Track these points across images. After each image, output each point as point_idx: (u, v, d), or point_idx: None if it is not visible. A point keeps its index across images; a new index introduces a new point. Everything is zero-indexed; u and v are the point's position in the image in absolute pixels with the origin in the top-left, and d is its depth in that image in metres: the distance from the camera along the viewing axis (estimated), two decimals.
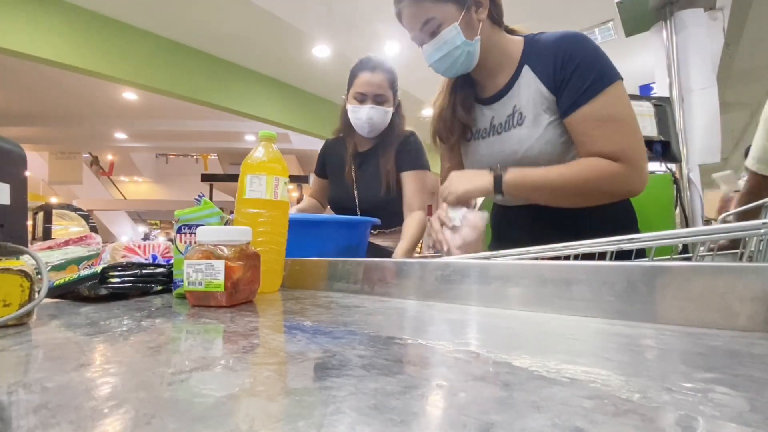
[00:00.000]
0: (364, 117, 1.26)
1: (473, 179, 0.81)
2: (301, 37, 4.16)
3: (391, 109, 1.30)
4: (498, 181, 0.77)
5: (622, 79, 0.76)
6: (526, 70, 0.83)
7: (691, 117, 1.85)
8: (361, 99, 1.27)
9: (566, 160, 0.81)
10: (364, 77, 1.26)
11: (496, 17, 0.84)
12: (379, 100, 1.27)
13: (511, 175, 0.77)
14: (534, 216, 0.89)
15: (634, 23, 2.08)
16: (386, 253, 1.32)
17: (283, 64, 4.75)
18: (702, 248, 0.68)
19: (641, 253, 0.63)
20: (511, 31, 0.88)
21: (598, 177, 0.74)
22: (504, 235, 0.99)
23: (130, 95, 5.67)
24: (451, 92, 0.93)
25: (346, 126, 1.35)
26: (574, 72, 0.75)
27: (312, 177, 1.52)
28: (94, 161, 8.95)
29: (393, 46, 4.31)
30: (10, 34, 3.20)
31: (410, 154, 1.32)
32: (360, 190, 1.36)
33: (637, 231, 0.88)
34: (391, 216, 1.33)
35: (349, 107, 1.30)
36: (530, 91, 0.81)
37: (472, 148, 0.93)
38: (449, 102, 0.93)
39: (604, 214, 0.85)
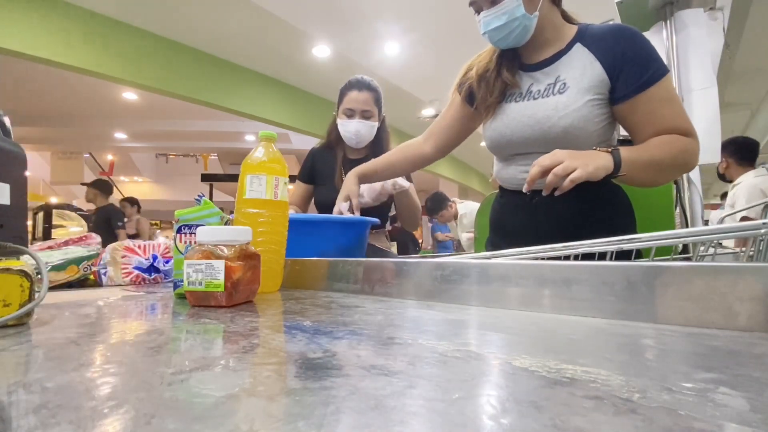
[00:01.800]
0: (353, 130, 1.41)
1: (595, 158, 0.76)
2: (301, 37, 4.16)
3: (376, 124, 1.45)
4: (617, 159, 0.75)
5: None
6: (579, 47, 0.85)
7: (691, 117, 1.85)
8: (350, 114, 1.42)
9: (591, 141, 0.83)
10: (352, 95, 1.42)
11: None
12: (365, 115, 1.42)
13: (626, 153, 0.76)
14: (532, 210, 0.89)
15: (634, 23, 2.07)
16: (382, 253, 1.36)
17: (283, 64, 4.75)
18: (702, 248, 0.68)
19: (641, 254, 0.63)
20: (567, 18, 0.91)
21: (684, 151, 0.78)
22: (502, 228, 1.00)
23: (130, 95, 5.67)
24: (499, 55, 0.94)
25: (336, 137, 1.49)
26: (638, 58, 0.80)
27: (295, 183, 1.57)
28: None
29: (393, 46, 4.31)
30: (10, 34, 3.20)
31: None
32: None
33: (635, 230, 0.88)
34: (383, 218, 1.42)
35: (339, 121, 1.45)
36: (582, 65, 0.84)
37: (501, 110, 0.93)
38: (496, 64, 0.93)
39: (604, 211, 0.86)
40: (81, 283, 0.78)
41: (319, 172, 1.53)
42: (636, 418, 0.18)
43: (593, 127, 0.83)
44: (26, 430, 0.17)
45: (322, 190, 1.52)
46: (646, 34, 2.17)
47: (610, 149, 0.75)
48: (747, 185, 2.51)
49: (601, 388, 0.21)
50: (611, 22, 0.84)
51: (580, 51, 0.85)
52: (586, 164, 0.72)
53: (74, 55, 3.54)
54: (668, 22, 1.92)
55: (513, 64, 0.93)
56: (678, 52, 1.90)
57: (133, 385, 0.23)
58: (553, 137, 0.84)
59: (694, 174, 1.81)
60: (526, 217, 0.92)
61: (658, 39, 2.00)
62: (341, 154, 1.50)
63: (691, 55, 1.88)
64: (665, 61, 1.92)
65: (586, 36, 0.85)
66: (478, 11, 0.86)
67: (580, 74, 0.83)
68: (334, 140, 1.50)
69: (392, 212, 1.50)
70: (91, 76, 3.74)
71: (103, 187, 4.39)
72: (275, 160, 0.67)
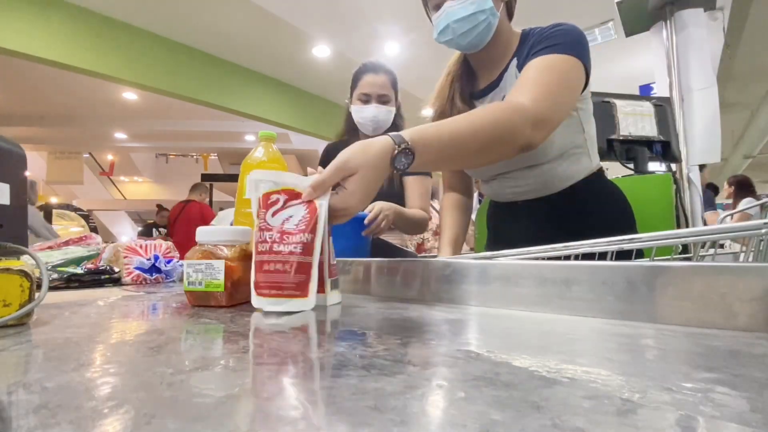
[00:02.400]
0: (370, 116, 1.32)
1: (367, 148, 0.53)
2: (301, 37, 4.16)
3: (393, 109, 1.36)
4: (398, 139, 0.53)
5: (583, 64, 0.73)
6: (513, 62, 0.83)
7: (691, 117, 1.85)
8: (366, 99, 1.33)
9: (563, 141, 0.81)
10: (368, 79, 1.32)
11: (511, 5, 0.85)
12: (383, 99, 1.33)
13: (414, 131, 0.56)
14: (527, 217, 0.89)
15: (634, 23, 2.08)
16: (392, 249, 1.32)
17: (283, 64, 4.75)
18: (702, 248, 0.68)
19: (641, 253, 0.63)
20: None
21: (499, 119, 0.63)
22: (500, 235, 0.99)
23: (130, 95, 5.67)
24: (450, 85, 0.91)
25: (351, 129, 1.40)
26: (540, 41, 0.76)
27: None
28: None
29: (393, 46, 4.31)
30: (10, 34, 3.20)
31: None
32: None
33: (634, 230, 0.88)
34: None
35: (353, 108, 1.35)
36: (512, 81, 0.81)
37: None
38: (448, 94, 0.91)
39: (602, 210, 0.86)
40: (81, 283, 0.78)
41: None
42: (636, 418, 0.18)
43: (557, 136, 0.78)
44: (26, 430, 0.17)
45: None
46: (646, 34, 2.17)
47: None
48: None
49: (601, 388, 0.21)
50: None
51: (512, 68, 0.82)
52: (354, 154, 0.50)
53: (74, 55, 3.54)
54: (668, 22, 1.92)
55: (464, 92, 0.89)
56: (678, 52, 1.90)
57: (133, 385, 0.23)
58: (526, 156, 0.78)
59: (694, 174, 1.81)
60: (522, 224, 0.91)
61: (658, 39, 2.00)
62: None
63: (691, 55, 1.88)
64: (665, 62, 1.93)
65: (524, 47, 0.81)
66: (437, 6, 0.80)
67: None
68: (347, 131, 1.41)
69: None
70: (91, 76, 3.74)
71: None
72: (275, 159, 0.67)
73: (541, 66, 0.72)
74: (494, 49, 0.84)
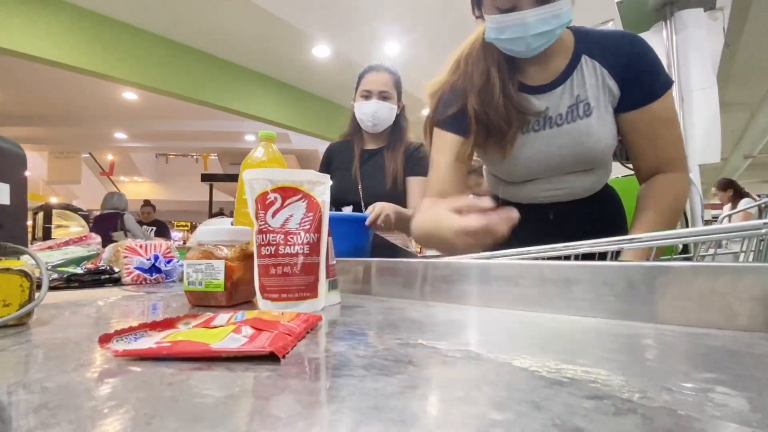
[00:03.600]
0: (370, 111, 1.35)
1: None
2: (301, 37, 4.16)
3: (395, 107, 1.38)
4: None
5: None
6: (586, 60, 0.78)
7: (691, 117, 1.85)
8: (367, 95, 1.36)
9: (602, 160, 0.82)
10: (370, 77, 1.37)
11: None
12: (383, 95, 1.36)
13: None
14: (545, 223, 0.87)
15: (634, 23, 2.07)
16: (393, 249, 1.32)
17: (283, 64, 4.75)
18: (703, 248, 0.68)
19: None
20: None
21: (683, 197, 0.77)
22: (511, 238, 0.95)
23: (130, 95, 5.67)
24: (498, 71, 0.79)
25: (355, 128, 1.44)
26: (645, 69, 0.76)
27: None
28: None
29: (393, 46, 4.31)
30: (10, 34, 3.20)
31: (421, 161, 1.37)
32: (364, 183, 1.39)
33: (625, 225, 0.90)
34: None
35: (355, 105, 1.39)
36: (596, 80, 0.77)
37: (521, 142, 0.81)
38: (500, 87, 0.78)
39: (609, 214, 0.87)
40: (81, 283, 0.79)
41: (336, 164, 1.48)
42: (636, 418, 0.18)
43: (615, 141, 0.81)
44: (26, 430, 0.17)
45: (337, 181, 1.46)
46: (646, 34, 2.17)
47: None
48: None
49: (601, 388, 0.21)
50: (609, 26, 0.80)
51: (590, 65, 0.78)
52: None
53: (74, 55, 3.54)
54: (668, 22, 1.92)
55: (515, 84, 0.80)
56: (678, 52, 1.90)
57: (133, 385, 0.23)
58: (587, 160, 0.80)
59: (694, 174, 1.81)
60: (537, 230, 0.86)
61: (658, 39, 2.00)
62: (359, 145, 1.44)
63: (691, 55, 1.88)
64: (665, 62, 1.93)
65: (589, 44, 0.78)
66: (510, 9, 0.70)
67: (598, 92, 0.77)
68: (351, 131, 1.45)
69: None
70: (91, 76, 3.74)
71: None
72: (275, 159, 0.67)
73: (669, 115, 0.78)
74: (552, 52, 0.78)
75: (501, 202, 0.96)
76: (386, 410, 0.19)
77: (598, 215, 0.86)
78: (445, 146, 0.85)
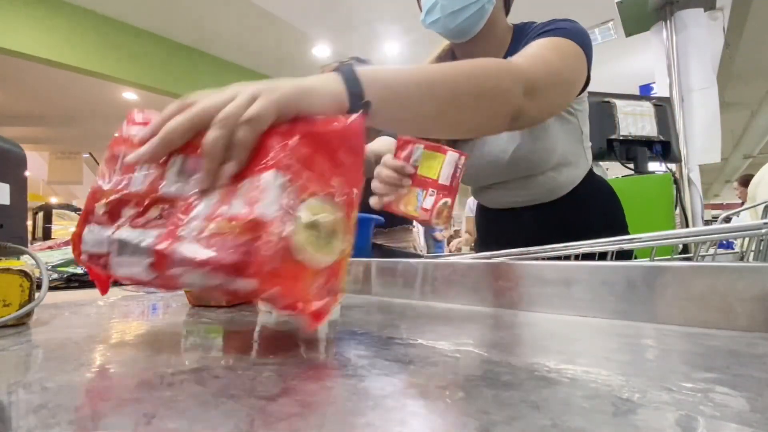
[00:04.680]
0: None
1: (299, 82, 0.37)
2: (301, 37, 4.16)
3: None
4: (350, 77, 0.38)
5: (585, 55, 0.66)
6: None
7: (691, 117, 1.86)
8: None
9: (552, 161, 0.77)
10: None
11: None
12: None
13: (373, 72, 0.41)
14: (519, 224, 0.85)
15: (634, 23, 2.08)
16: (390, 252, 1.32)
17: (283, 64, 4.75)
18: (703, 248, 0.68)
19: (631, 254, 0.63)
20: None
21: (493, 69, 0.52)
22: (491, 239, 0.93)
23: (130, 95, 5.66)
24: None
25: None
26: (537, 31, 0.69)
27: None
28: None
29: (393, 46, 4.31)
30: (10, 34, 3.20)
31: None
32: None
33: (625, 231, 0.86)
34: (391, 215, 1.33)
35: None
36: None
37: (468, 148, 0.83)
38: None
39: (601, 210, 0.83)
40: (81, 283, 0.78)
41: None
42: (636, 418, 0.18)
43: (553, 144, 0.75)
44: (26, 430, 0.17)
45: None
46: (646, 34, 2.17)
47: (336, 66, 0.44)
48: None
49: (601, 388, 0.21)
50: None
51: None
52: (273, 90, 0.34)
53: (74, 55, 3.54)
54: (668, 22, 1.92)
55: None
56: (678, 52, 1.90)
57: (133, 385, 0.23)
58: (520, 167, 0.78)
59: (694, 174, 1.81)
60: (513, 230, 0.87)
61: (658, 39, 2.00)
62: None
63: (691, 55, 1.88)
64: (665, 62, 1.93)
65: (521, 40, 0.73)
66: None
67: None
68: None
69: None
70: (91, 76, 3.74)
71: None
72: None
73: (538, 43, 0.63)
74: (486, 42, 0.76)
75: (482, 209, 0.96)
76: (386, 410, 0.19)
77: (578, 214, 0.82)
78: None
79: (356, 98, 0.37)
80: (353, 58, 1.40)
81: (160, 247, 0.29)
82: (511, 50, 0.76)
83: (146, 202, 0.31)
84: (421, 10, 0.76)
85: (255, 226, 0.27)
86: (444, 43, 0.84)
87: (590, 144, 0.86)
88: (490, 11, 0.73)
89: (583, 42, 0.66)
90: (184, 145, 0.32)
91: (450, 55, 0.83)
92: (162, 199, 0.31)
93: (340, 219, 0.32)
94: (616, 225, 0.84)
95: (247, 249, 0.27)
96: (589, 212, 0.83)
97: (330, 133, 0.33)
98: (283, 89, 0.33)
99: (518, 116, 0.54)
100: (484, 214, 0.96)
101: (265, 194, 0.28)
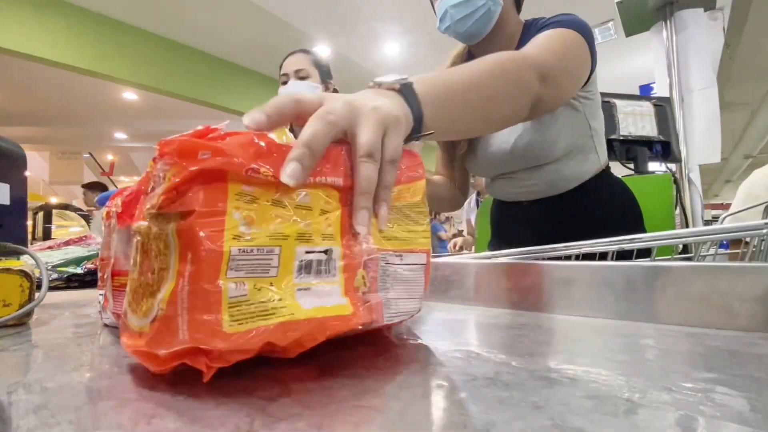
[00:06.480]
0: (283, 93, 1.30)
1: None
2: (301, 37, 4.16)
3: (317, 86, 1.31)
4: (411, 96, 0.38)
5: (588, 45, 0.68)
6: None
7: (691, 117, 1.86)
8: (285, 81, 1.31)
9: (556, 152, 0.78)
10: (286, 62, 1.33)
11: None
12: (300, 75, 1.29)
13: (424, 85, 0.41)
14: (533, 218, 0.87)
15: (634, 23, 2.08)
16: None
17: None
18: (704, 248, 0.68)
19: (641, 254, 0.62)
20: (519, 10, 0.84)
21: (511, 60, 0.54)
22: (505, 236, 0.97)
23: (130, 95, 5.66)
24: None
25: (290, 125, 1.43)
26: (547, 23, 0.72)
27: None
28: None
29: (393, 46, 4.31)
30: (10, 34, 3.20)
31: None
32: None
33: (642, 228, 0.86)
34: None
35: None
36: None
37: (472, 149, 0.88)
38: None
39: (611, 212, 0.84)
40: (81, 283, 0.79)
41: None
42: (636, 418, 0.18)
43: (556, 134, 0.77)
44: (26, 430, 0.17)
45: None
46: (646, 34, 2.17)
47: (398, 86, 0.40)
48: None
49: (601, 388, 0.21)
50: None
51: None
52: (396, 122, 0.33)
53: (74, 55, 3.54)
54: (668, 22, 1.92)
55: None
56: (678, 52, 1.90)
57: (133, 385, 0.23)
58: (522, 159, 0.80)
59: (694, 174, 1.81)
60: (528, 225, 0.89)
61: (658, 39, 2.00)
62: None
63: (691, 55, 1.88)
64: (665, 62, 1.93)
65: (529, 35, 0.74)
66: None
67: None
68: (291, 126, 1.41)
69: None
70: (91, 76, 3.74)
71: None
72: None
73: (542, 34, 0.66)
74: (498, 41, 0.79)
75: (495, 202, 0.99)
76: (387, 410, 0.19)
77: (584, 210, 0.82)
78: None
79: (419, 124, 0.38)
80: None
81: None
82: (520, 44, 0.78)
83: None
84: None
85: None
86: (459, 46, 0.87)
87: (604, 141, 0.86)
88: (497, 13, 0.76)
89: (584, 31, 0.69)
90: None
91: (468, 54, 0.86)
92: None
93: None
94: (633, 224, 0.84)
95: None
96: (594, 212, 0.83)
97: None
98: (394, 117, 0.33)
99: (536, 104, 0.57)
100: (496, 207, 0.99)
101: None
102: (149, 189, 0.25)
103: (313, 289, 0.25)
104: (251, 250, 0.23)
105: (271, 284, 0.24)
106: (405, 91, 0.38)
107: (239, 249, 0.22)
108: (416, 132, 0.37)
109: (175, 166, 0.23)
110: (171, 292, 0.21)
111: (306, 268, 0.25)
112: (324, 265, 0.26)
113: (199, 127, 0.25)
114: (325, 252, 0.26)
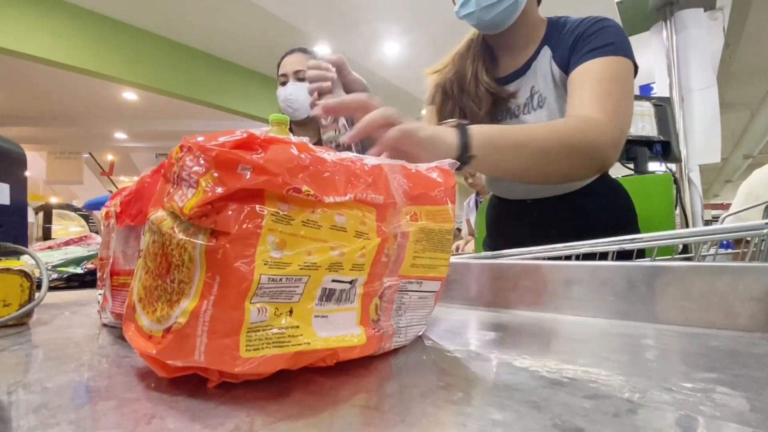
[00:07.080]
0: (284, 95, 1.27)
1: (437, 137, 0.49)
2: (301, 37, 4.16)
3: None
4: (464, 139, 0.49)
5: (635, 65, 0.71)
6: (545, 50, 0.78)
7: (691, 117, 1.85)
8: (283, 81, 1.28)
9: None
10: (284, 61, 1.30)
11: None
12: (299, 76, 1.26)
13: (481, 130, 0.52)
14: (533, 213, 0.88)
15: (634, 23, 2.08)
16: None
17: None
18: (704, 248, 0.68)
19: (642, 254, 0.63)
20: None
21: (577, 130, 0.59)
22: (501, 234, 0.97)
23: (130, 95, 5.66)
24: (473, 61, 0.83)
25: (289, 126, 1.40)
26: (587, 38, 0.72)
27: None
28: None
29: (393, 46, 4.31)
30: (10, 34, 3.20)
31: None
32: None
33: (636, 230, 0.87)
34: None
35: (277, 94, 1.31)
36: (545, 71, 0.77)
37: None
38: (471, 70, 0.82)
39: (606, 211, 0.84)
40: (81, 283, 0.79)
41: None
42: (636, 418, 0.18)
43: None
44: (26, 430, 0.17)
45: None
46: (646, 34, 2.17)
47: (456, 124, 0.51)
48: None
49: (601, 388, 0.21)
50: (593, 16, 0.75)
51: (546, 55, 0.77)
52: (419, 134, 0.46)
53: (74, 55, 3.54)
54: (668, 22, 1.92)
55: (490, 70, 0.82)
56: (678, 52, 1.90)
57: (133, 385, 0.23)
58: None
59: (694, 174, 1.81)
60: (526, 224, 0.89)
61: (658, 39, 2.00)
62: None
63: (691, 55, 1.88)
64: (665, 62, 1.93)
65: (555, 33, 0.77)
66: None
67: (546, 81, 0.76)
68: (290, 127, 1.38)
69: None
70: (91, 76, 3.74)
71: None
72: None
73: (602, 74, 0.67)
74: (519, 33, 0.78)
75: (495, 199, 0.98)
76: (386, 410, 0.19)
77: (586, 209, 0.83)
78: (432, 118, 0.92)
79: (465, 149, 0.49)
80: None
81: None
82: (548, 41, 0.78)
83: None
84: (454, 3, 0.77)
85: None
86: (471, 31, 0.86)
87: None
88: (523, 4, 0.74)
89: (629, 50, 0.71)
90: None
91: (481, 42, 0.84)
92: None
93: None
94: (628, 227, 0.85)
95: None
96: (596, 211, 0.84)
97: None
98: (427, 134, 0.46)
99: (604, 167, 0.64)
100: (494, 204, 0.99)
101: None
102: (172, 176, 0.24)
103: (330, 318, 0.25)
104: (281, 279, 0.22)
105: (291, 310, 0.23)
106: (460, 126, 0.50)
107: (269, 278, 0.22)
108: (463, 152, 0.48)
109: (209, 175, 0.22)
110: (192, 312, 0.21)
111: (328, 296, 0.25)
112: (346, 293, 0.26)
113: (238, 133, 0.23)
114: (351, 282, 0.26)
